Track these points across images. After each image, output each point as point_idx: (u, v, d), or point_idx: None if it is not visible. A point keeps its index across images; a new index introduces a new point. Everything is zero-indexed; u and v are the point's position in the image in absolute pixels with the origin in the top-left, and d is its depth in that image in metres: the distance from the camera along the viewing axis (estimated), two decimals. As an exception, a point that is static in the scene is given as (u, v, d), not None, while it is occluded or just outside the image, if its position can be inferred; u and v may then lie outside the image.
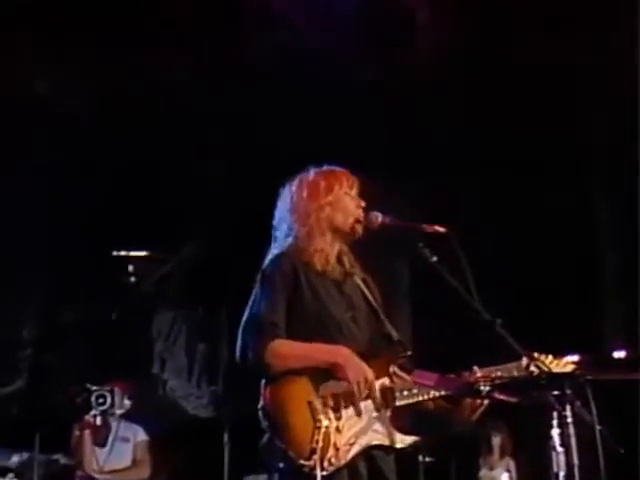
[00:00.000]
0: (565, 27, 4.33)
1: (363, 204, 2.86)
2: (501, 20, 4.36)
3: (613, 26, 4.25)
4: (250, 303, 2.75)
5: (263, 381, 2.66)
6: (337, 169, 2.92)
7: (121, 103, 4.74)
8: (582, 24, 4.29)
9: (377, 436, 2.61)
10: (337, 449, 2.53)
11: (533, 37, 4.36)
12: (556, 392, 2.27)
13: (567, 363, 2.72)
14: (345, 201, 2.84)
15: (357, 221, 2.84)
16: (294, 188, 2.89)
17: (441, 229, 2.59)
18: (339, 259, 2.88)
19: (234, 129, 4.98)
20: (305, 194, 2.84)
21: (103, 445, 4.53)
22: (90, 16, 4.28)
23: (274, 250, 2.84)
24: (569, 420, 2.25)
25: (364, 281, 2.92)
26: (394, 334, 2.81)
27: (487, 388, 2.39)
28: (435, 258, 2.56)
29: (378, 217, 2.78)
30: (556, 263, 5.12)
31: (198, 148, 5.03)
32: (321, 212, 2.81)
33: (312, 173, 2.90)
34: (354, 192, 2.88)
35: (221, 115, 4.89)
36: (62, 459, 4.61)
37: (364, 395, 2.60)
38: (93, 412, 4.36)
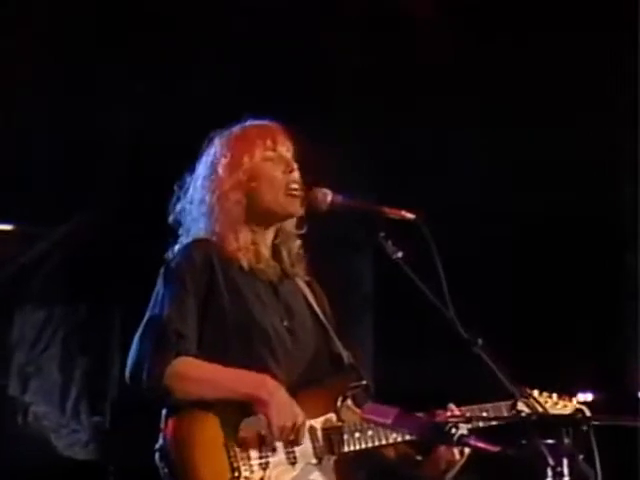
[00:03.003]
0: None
1: (295, 166, 2.88)
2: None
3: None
4: (150, 305, 2.79)
5: (164, 411, 2.70)
6: (250, 125, 2.92)
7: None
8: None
9: (316, 492, 2.66)
10: (261, 509, 2.57)
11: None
12: (550, 441, 2.36)
13: (573, 404, 2.83)
14: (264, 170, 2.86)
15: (289, 191, 2.85)
16: (201, 164, 2.93)
17: (409, 214, 2.66)
18: (275, 253, 2.92)
19: (145, 75, 5.02)
20: (206, 176, 2.88)
21: None
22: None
23: (183, 238, 2.88)
24: (566, 479, 2.34)
25: (309, 285, 2.97)
26: (345, 355, 2.87)
27: (461, 431, 2.48)
28: (400, 253, 2.63)
29: (327, 195, 2.81)
30: (569, 272, 5.26)
31: (96, 92, 5.03)
32: (225, 201, 2.83)
33: (218, 140, 2.93)
34: (281, 150, 2.89)
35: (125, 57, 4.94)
36: None
37: (287, 441, 2.65)
38: None
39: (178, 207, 2.93)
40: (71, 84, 5.03)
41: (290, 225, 2.94)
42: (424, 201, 2.65)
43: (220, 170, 2.87)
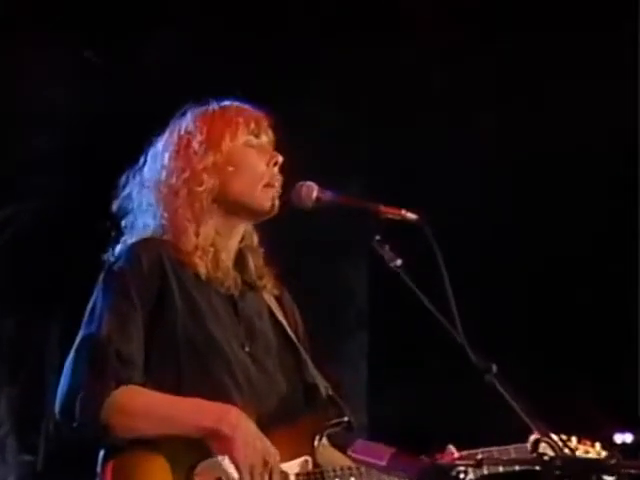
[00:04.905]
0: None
1: (280, 159, 2.93)
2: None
3: None
4: (85, 320, 2.80)
5: (102, 452, 2.72)
6: (233, 104, 2.97)
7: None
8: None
9: None
10: None
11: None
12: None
13: (596, 449, 2.86)
14: (246, 156, 2.91)
15: (268, 187, 2.90)
16: (165, 139, 2.95)
17: (410, 214, 2.69)
18: (239, 259, 2.95)
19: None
20: (173, 151, 2.90)
21: None
22: None
23: (128, 239, 2.89)
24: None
25: (278, 300, 3.00)
26: (322, 386, 2.90)
27: (470, 476, 2.52)
28: (399, 261, 2.66)
29: (312, 190, 2.84)
30: (589, 294, 5.32)
31: (37, 67, 5.08)
32: (195, 184, 2.85)
33: (192, 114, 2.95)
34: (264, 139, 2.95)
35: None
36: None
37: None
38: None
39: (126, 191, 2.94)
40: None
41: (252, 239, 2.98)
42: (428, 202, 2.68)
43: (195, 146, 2.89)
